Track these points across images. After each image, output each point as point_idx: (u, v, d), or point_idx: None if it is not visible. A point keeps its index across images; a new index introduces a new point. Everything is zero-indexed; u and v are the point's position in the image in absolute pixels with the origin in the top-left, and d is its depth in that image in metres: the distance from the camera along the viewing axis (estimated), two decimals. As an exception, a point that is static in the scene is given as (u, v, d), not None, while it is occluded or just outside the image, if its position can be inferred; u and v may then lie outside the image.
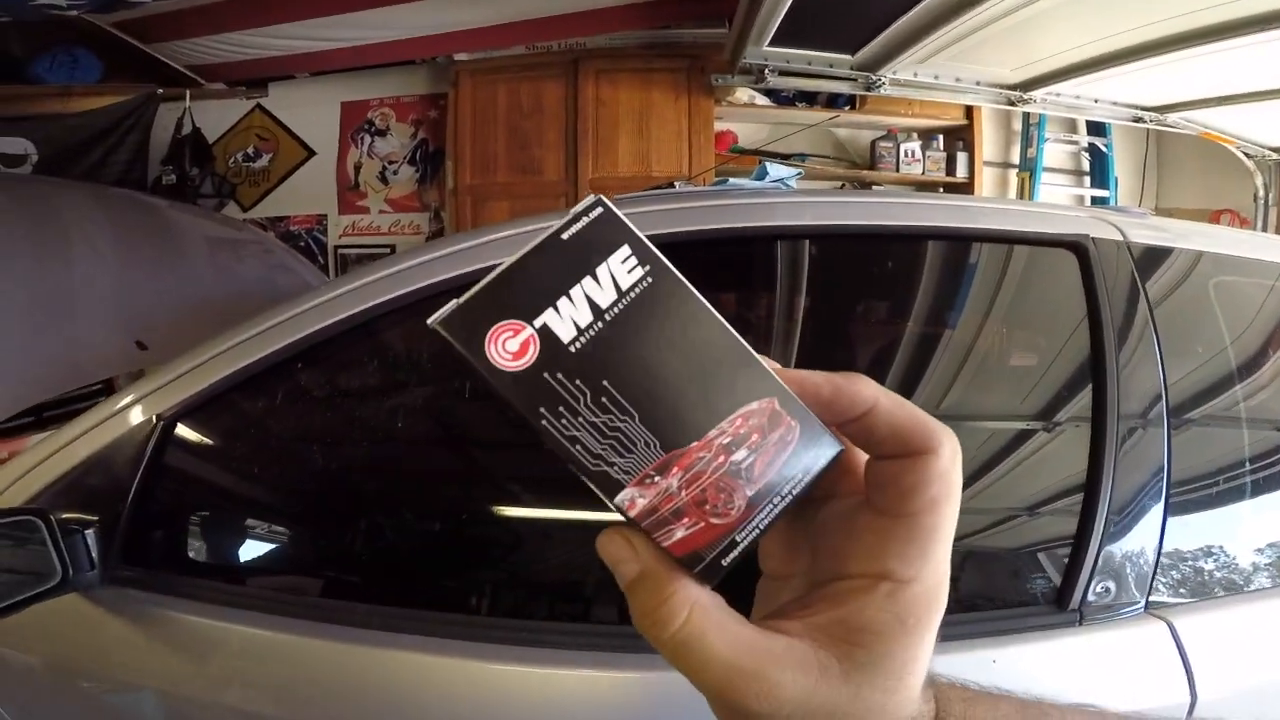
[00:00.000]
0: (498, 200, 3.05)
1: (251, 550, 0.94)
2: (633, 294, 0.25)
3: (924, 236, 0.92)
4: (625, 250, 0.25)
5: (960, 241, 0.94)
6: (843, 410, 0.25)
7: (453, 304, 0.24)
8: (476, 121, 3.02)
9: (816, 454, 0.26)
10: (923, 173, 2.97)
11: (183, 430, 0.86)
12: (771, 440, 0.25)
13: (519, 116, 3.00)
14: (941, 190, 2.99)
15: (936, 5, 1.92)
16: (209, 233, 2.50)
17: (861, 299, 1.02)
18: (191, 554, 0.89)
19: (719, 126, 3.02)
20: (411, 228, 3.31)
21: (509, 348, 0.24)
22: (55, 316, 1.69)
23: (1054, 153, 3.08)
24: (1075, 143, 3.12)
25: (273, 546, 0.93)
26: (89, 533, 0.79)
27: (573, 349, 0.24)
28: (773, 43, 2.42)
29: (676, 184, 2.54)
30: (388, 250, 3.29)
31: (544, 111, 2.99)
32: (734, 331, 0.26)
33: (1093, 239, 0.87)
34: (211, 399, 0.85)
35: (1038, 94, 2.34)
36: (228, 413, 0.89)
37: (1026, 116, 2.96)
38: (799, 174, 1.35)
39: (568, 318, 0.24)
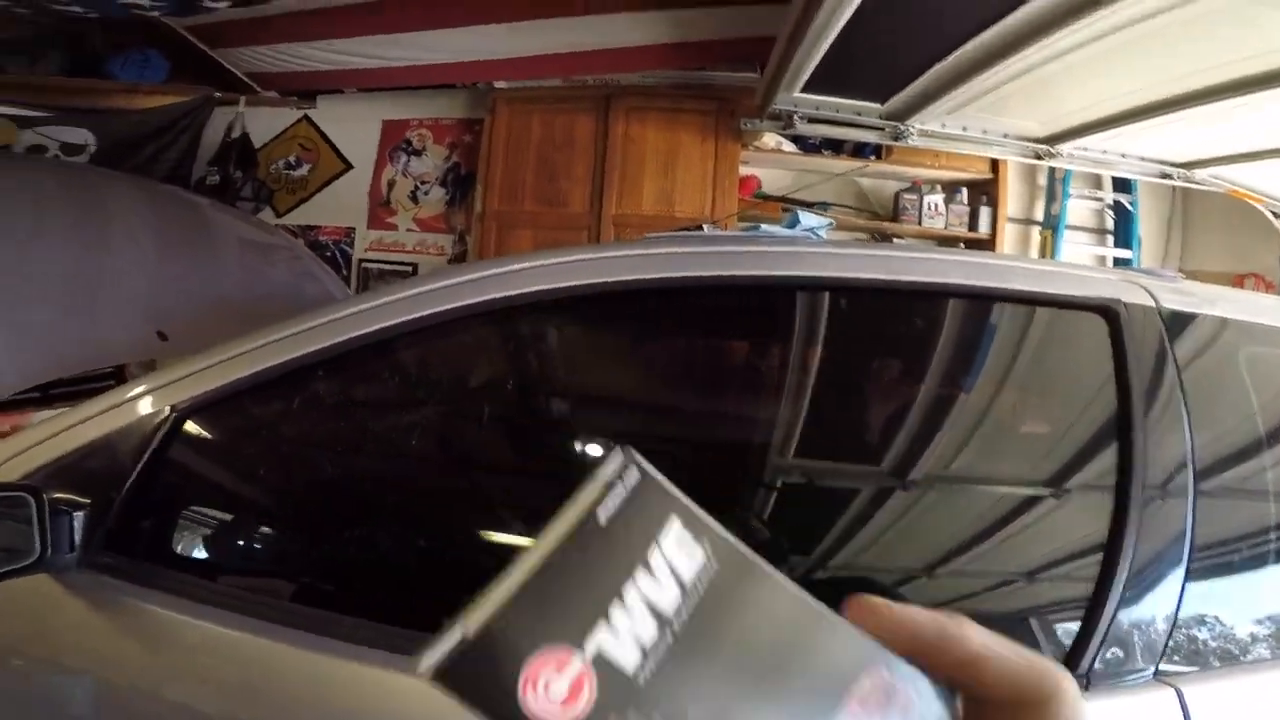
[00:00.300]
0: (522, 229, 3.09)
1: (239, 552, 0.93)
2: (700, 586, 0.20)
3: (950, 295, 0.91)
4: (676, 525, 0.21)
5: (986, 301, 0.93)
6: (946, 654, 0.23)
7: (449, 639, 0.18)
8: (509, 149, 3.08)
9: (939, 716, 0.23)
10: (945, 227, 2.98)
11: (192, 425, 0.86)
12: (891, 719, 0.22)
13: (550, 148, 3.07)
14: (962, 246, 2.99)
15: (969, 56, 1.96)
16: (243, 234, 2.57)
17: (882, 356, 1.01)
18: (177, 548, 0.89)
19: (744, 171, 3.07)
20: (436, 248, 3.37)
21: (556, 691, 0.17)
22: (86, 297, 1.74)
23: (1078, 210, 3.08)
24: (1100, 199, 3.12)
25: (263, 551, 0.94)
26: (78, 515, 0.79)
27: (641, 680, 0.18)
28: (804, 89, 2.48)
29: (705, 227, 2.58)
30: (410, 268, 3.35)
31: (574, 145, 3.05)
32: (808, 595, 0.22)
33: (1124, 303, 0.86)
34: (226, 398, 0.85)
35: (1065, 148, 2.36)
36: (239, 413, 0.90)
37: (1052, 172, 2.98)
38: (830, 224, 1.35)
39: (626, 635, 0.19)
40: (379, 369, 0.93)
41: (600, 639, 0.18)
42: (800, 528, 0.88)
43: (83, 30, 2.87)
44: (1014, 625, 0.80)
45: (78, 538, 0.79)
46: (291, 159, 3.40)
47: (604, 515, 0.20)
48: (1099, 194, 3.12)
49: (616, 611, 0.19)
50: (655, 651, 0.19)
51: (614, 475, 0.21)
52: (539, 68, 2.80)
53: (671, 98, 3.01)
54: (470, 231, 3.21)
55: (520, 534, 0.89)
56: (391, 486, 0.95)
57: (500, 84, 3.04)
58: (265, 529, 0.95)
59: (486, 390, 0.99)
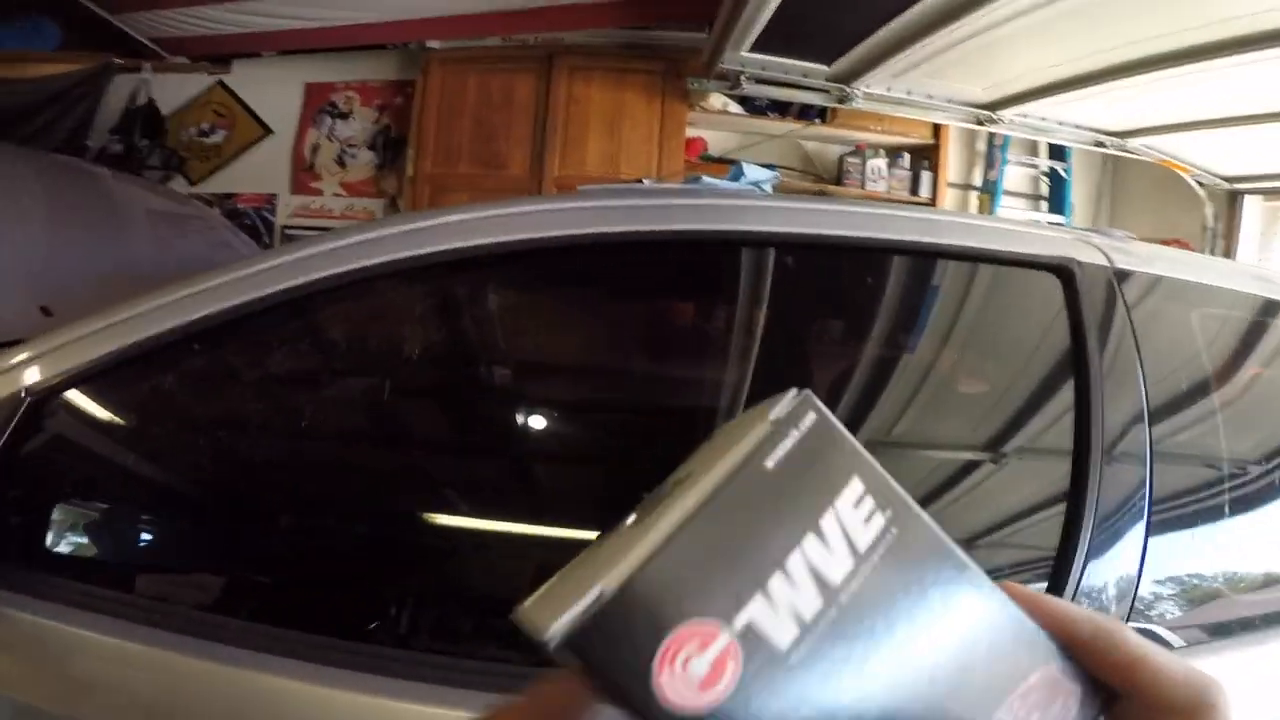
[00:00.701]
0: (458, 192, 2.96)
1: (123, 550, 0.83)
2: (875, 556, 0.18)
3: (902, 251, 0.89)
4: (857, 485, 0.18)
5: (938, 258, 0.91)
6: (1102, 655, 0.22)
7: (583, 600, 0.15)
8: (443, 111, 2.94)
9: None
10: (887, 190, 3.02)
11: (54, 409, 0.76)
12: (1051, 717, 0.20)
13: (488, 109, 2.94)
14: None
15: (916, 19, 1.95)
16: (149, 204, 2.40)
17: (830, 315, 0.99)
18: (54, 548, 0.79)
19: (690, 133, 3.01)
20: (365, 213, 3.20)
21: (695, 671, 0.15)
22: None
23: (1014, 176, 3.17)
24: (1036, 166, 3.21)
25: (147, 546, 0.84)
26: None
27: (794, 659, 0.16)
28: (753, 49, 2.43)
29: (645, 181, 2.52)
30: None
31: (514, 105, 2.93)
32: (990, 581, 0.20)
33: (1079, 262, 0.86)
34: (91, 376, 0.76)
35: (1006, 114, 2.40)
36: (108, 393, 0.79)
37: (991, 138, 3.04)
38: (776, 178, 1.31)
39: (785, 607, 0.16)
40: (264, 339, 0.83)
41: (754, 611, 0.16)
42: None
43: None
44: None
45: None
46: (205, 126, 3.15)
47: (772, 462, 0.17)
48: (1035, 160, 3.20)
49: (776, 580, 0.16)
50: (815, 628, 0.16)
51: (785, 416, 0.18)
52: (477, 26, 2.67)
53: (618, 57, 2.91)
54: (402, 195, 3.07)
55: (449, 518, 0.83)
56: (279, 470, 0.86)
57: (434, 44, 2.88)
58: (147, 522, 0.85)
59: (384, 359, 0.89)
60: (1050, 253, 0.87)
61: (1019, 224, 1.02)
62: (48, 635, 0.70)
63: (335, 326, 0.88)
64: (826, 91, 2.60)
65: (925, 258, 0.91)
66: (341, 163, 3.19)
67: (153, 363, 0.78)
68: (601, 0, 2.48)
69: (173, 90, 3.11)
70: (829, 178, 3.14)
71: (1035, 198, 3.26)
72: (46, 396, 0.75)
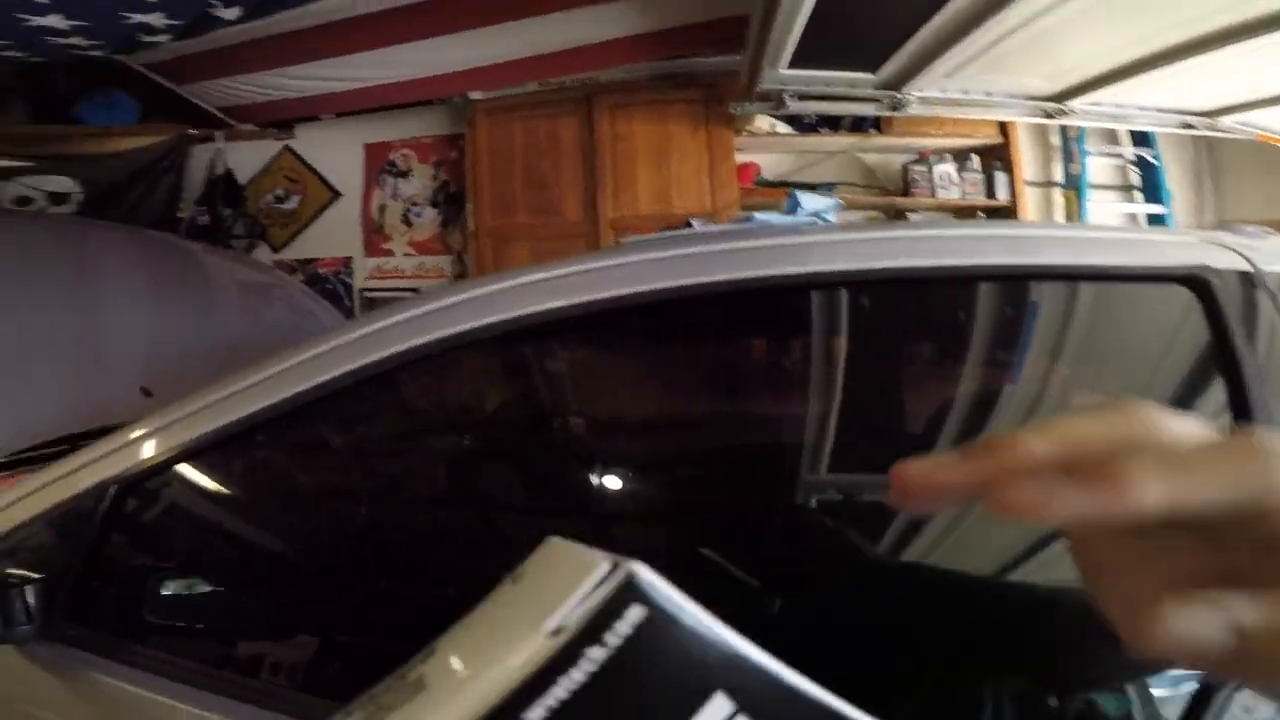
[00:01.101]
0: (519, 242, 2.99)
1: (201, 622, 0.90)
2: None
3: (996, 277, 0.77)
4: (722, 705, 0.14)
5: (1039, 280, 0.78)
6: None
7: None
8: (494, 162, 2.99)
9: None
10: (961, 197, 2.80)
11: (139, 494, 0.84)
12: None
13: (536, 156, 2.96)
14: (981, 214, 2.80)
15: (955, 15, 1.80)
16: (237, 276, 2.54)
17: (919, 357, 0.89)
18: (140, 618, 0.86)
19: (741, 158, 2.92)
20: (436, 271, 3.28)
21: None
22: (77, 358, 1.71)
23: (1099, 167, 2.85)
24: (1120, 155, 2.89)
25: (228, 621, 0.90)
26: (28, 589, 0.79)
27: None
28: (790, 65, 2.34)
29: (694, 224, 2.44)
30: (412, 293, 3.28)
31: (560, 150, 2.94)
32: None
33: (1213, 270, 0.72)
34: (165, 465, 0.83)
35: (1076, 104, 2.17)
36: (178, 480, 0.86)
37: (1065, 130, 2.77)
38: (837, 205, 1.16)
39: None
40: (339, 418, 0.88)
41: None
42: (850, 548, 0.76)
43: (43, 76, 2.85)
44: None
45: (34, 610, 0.79)
46: (279, 192, 3.34)
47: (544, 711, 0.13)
48: (1118, 149, 2.88)
49: None
50: None
51: (585, 620, 0.14)
52: (510, 74, 2.70)
53: (655, 90, 2.88)
54: (467, 250, 3.12)
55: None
56: (343, 550, 0.89)
57: (476, 95, 2.94)
58: (227, 597, 0.91)
59: (460, 426, 0.92)
60: (1176, 262, 0.74)
61: (1132, 232, 0.88)
62: (125, 699, 0.77)
63: (410, 397, 0.91)
64: (877, 100, 2.45)
65: (1026, 281, 0.79)
66: (408, 221, 3.29)
67: (226, 448, 0.85)
68: (630, 35, 2.45)
69: (246, 157, 3.31)
70: (895, 189, 2.95)
71: (1126, 189, 2.92)
72: (131, 484, 0.83)
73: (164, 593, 0.88)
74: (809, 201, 1.19)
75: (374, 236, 3.31)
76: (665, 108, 2.86)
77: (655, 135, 2.89)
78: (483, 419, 0.91)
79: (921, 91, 2.32)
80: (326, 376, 0.78)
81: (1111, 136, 2.87)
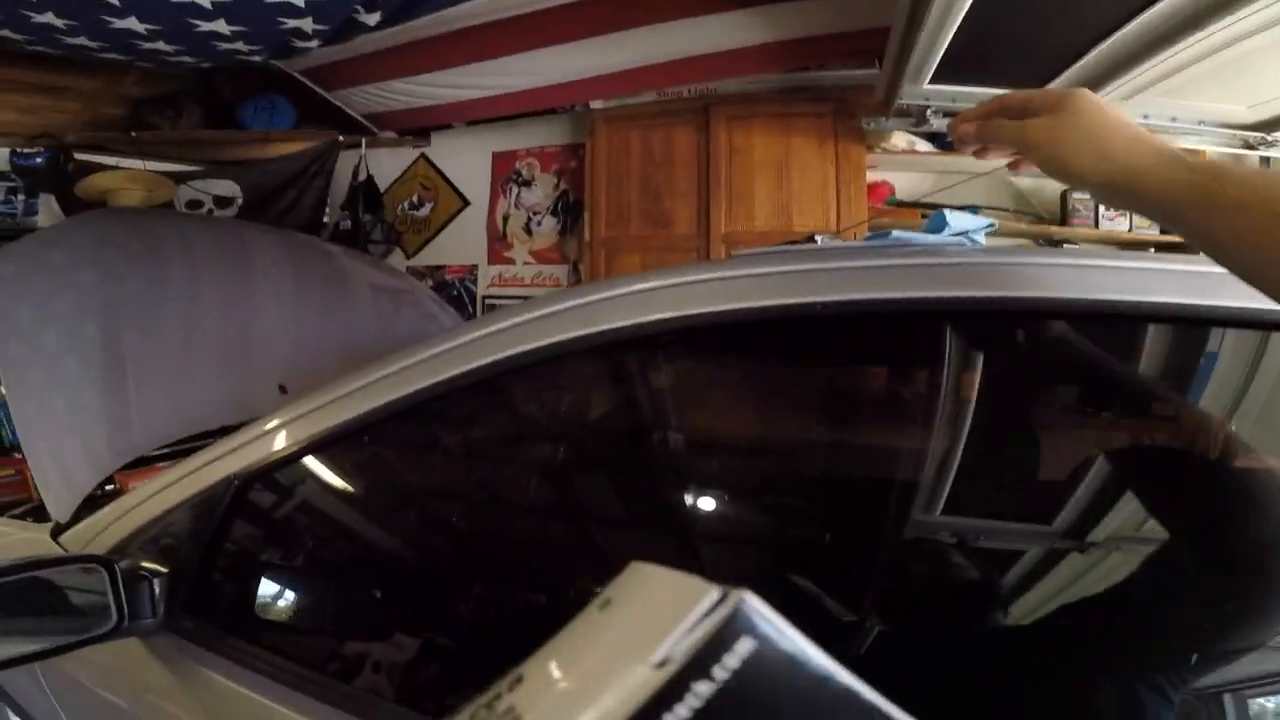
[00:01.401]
0: (630, 253, 2.95)
1: (303, 620, 0.93)
2: None
3: (1163, 319, 0.64)
4: None
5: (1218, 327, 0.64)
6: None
7: None
8: (611, 171, 2.96)
9: None
10: (1130, 229, 2.40)
11: (258, 491, 0.88)
12: None
13: (651, 167, 2.89)
14: (1153, 250, 2.38)
15: (1140, 33, 1.52)
16: (372, 280, 2.67)
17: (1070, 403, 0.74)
18: (249, 614, 0.90)
19: (872, 176, 2.68)
20: (552, 280, 3.31)
21: None
22: (229, 354, 1.84)
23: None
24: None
25: (335, 621, 0.92)
26: (156, 581, 0.83)
27: None
28: (934, 80, 2.09)
29: (819, 239, 2.25)
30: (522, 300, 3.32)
31: (675, 161, 2.85)
32: None
33: None
34: (285, 462, 0.86)
35: (1288, 135, 1.77)
36: (299, 477, 0.89)
37: (1268, 162, 2.28)
38: (991, 226, 0.97)
39: None
40: (454, 419, 0.88)
41: None
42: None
43: (210, 82, 3.12)
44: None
45: (158, 603, 0.83)
46: (414, 199, 3.50)
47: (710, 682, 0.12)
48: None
49: None
50: None
51: (694, 652, 0.13)
52: (631, 82, 2.65)
53: (779, 101, 2.70)
54: (582, 260, 3.12)
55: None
56: (449, 553, 0.89)
57: (597, 104, 2.91)
58: (332, 597, 0.93)
59: (558, 434, 0.89)
60: None
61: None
62: (229, 697, 0.79)
63: (524, 400, 0.90)
64: (1038, 120, 2.14)
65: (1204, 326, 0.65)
66: (529, 230, 3.34)
67: (342, 446, 0.86)
68: (757, 44, 2.30)
69: (386, 165, 3.50)
70: (1050, 217, 2.59)
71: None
72: (248, 482, 0.86)
73: (272, 590, 0.91)
74: (957, 220, 0.98)
75: (497, 244, 3.38)
76: (788, 120, 2.68)
77: (776, 149, 2.72)
78: (592, 426, 0.88)
79: (1092, 112, 2.00)
80: (443, 376, 0.77)
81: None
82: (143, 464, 1.47)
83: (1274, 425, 0.65)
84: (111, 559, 0.82)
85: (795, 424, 0.81)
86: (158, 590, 0.83)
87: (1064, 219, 2.52)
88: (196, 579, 0.85)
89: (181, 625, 0.85)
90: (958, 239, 0.94)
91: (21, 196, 3.21)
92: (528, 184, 3.32)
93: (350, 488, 0.90)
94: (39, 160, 3.08)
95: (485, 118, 3.14)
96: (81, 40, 2.21)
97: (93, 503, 1.12)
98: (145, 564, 0.85)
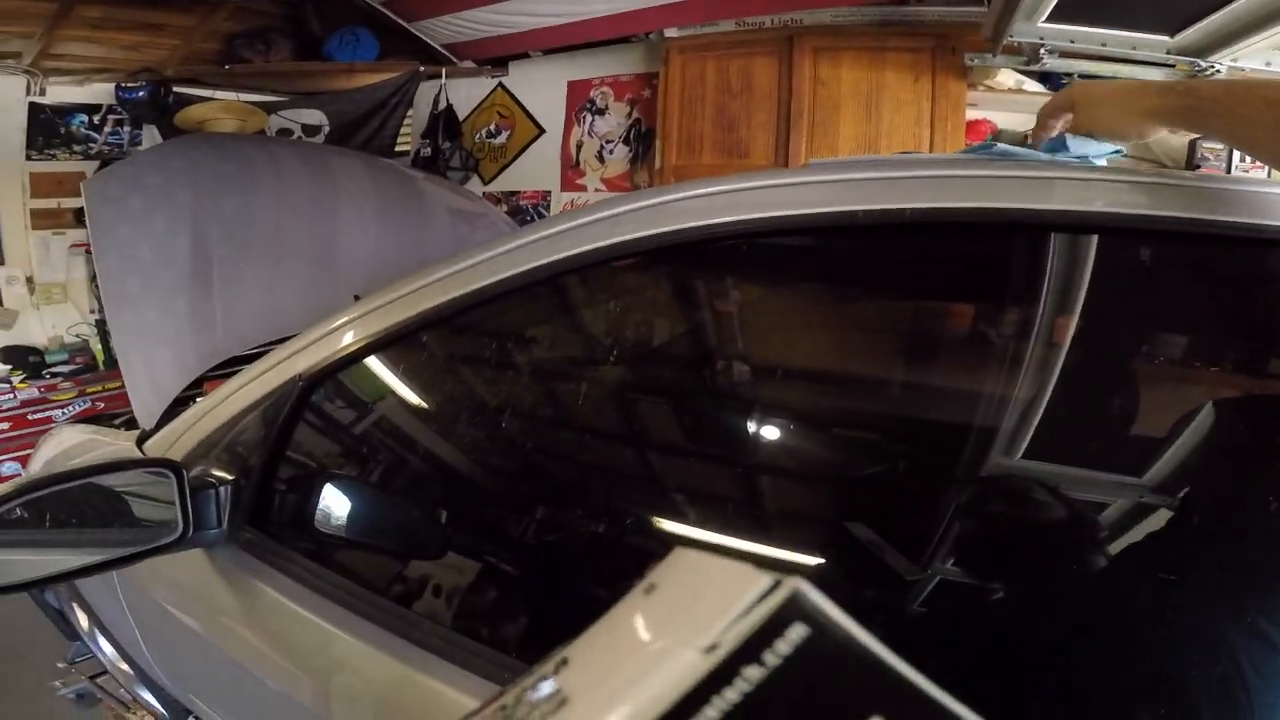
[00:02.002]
0: (702, 183, 2.87)
1: (365, 529, 0.84)
2: None
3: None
4: None
5: None
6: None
7: None
8: (684, 100, 2.83)
9: None
10: (1269, 177, 2.11)
11: (322, 392, 0.82)
12: None
13: (726, 96, 2.74)
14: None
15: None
16: (450, 203, 2.74)
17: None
18: (312, 525, 0.81)
19: (972, 114, 2.44)
20: (622, 207, 3.28)
21: None
22: (291, 272, 1.86)
23: None
24: None
25: (396, 538, 0.85)
26: (222, 490, 0.78)
27: None
28: (1050, 19, 1.86)
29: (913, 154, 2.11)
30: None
31: (753, 91, 2.68)
32: None
33: None
34: (348, 361, 0.80)
35: None
36: (364, 377, 0.84)
37: None
38: (1118, 152, 0.83)
39: None
40: (513, 322, 0.81)
41: None
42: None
43: (299, 14, 3.15)
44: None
45: (223, 513, 0.78)
46: (491, 127, 3.48)
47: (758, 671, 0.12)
48: None
49: None
50: None
51: (744, 637, 0.13)
52: (708, 10, 2.49)
53: (871, 35, 2.46)
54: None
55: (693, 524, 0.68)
56: (508, 464, 0.81)
57: (672, 33, 2.75)
58: (393, 512, 0.86)
59: (599, 351, 0.80)
60: None
61: None
62: (284, 612, 0.75)
63: (567, 306, 0.82)
64: (1170, 65, 1.89)
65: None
66: (601, 159, 3.29)
67: (401, 346, 0.80)
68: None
69: (465, 94, 3.48)
70: (1175, 166, 2.30)
71: None
72: (316, 380, 0.81)
73: (332, 501, 0.81)
74: (1078, 145, 0.86)
75: (570, 172, 3.35)
76: (880, 54, 2.45)
77: (866, 82, 2.51)
78: (657, 339, 0.78)
79: (1236, 62, 1.74)
80: (508, 274, 0.71)
81: None
82: (231, 369, 1.54)
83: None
84: (179, 464, 0.77)
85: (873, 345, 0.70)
86: (223, 499, 0.78)
87: (1191, 166, 2.24)
88: (258, 488, 0.80)
89: (243, 537, 0.80)
90: (1078, 159, 0.82)
91: (127, 128, 3.40)
92: (601, 112, 3.23)
93: (413, 392, 0.83)
94: (141, 94, 3.23)
95: (561, 46, 3.03)
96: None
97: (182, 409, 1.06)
98: (213, 472, 0.80)
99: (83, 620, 1.66)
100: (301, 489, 0.81)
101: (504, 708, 0.16)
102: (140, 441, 1.04)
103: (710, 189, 0.66)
